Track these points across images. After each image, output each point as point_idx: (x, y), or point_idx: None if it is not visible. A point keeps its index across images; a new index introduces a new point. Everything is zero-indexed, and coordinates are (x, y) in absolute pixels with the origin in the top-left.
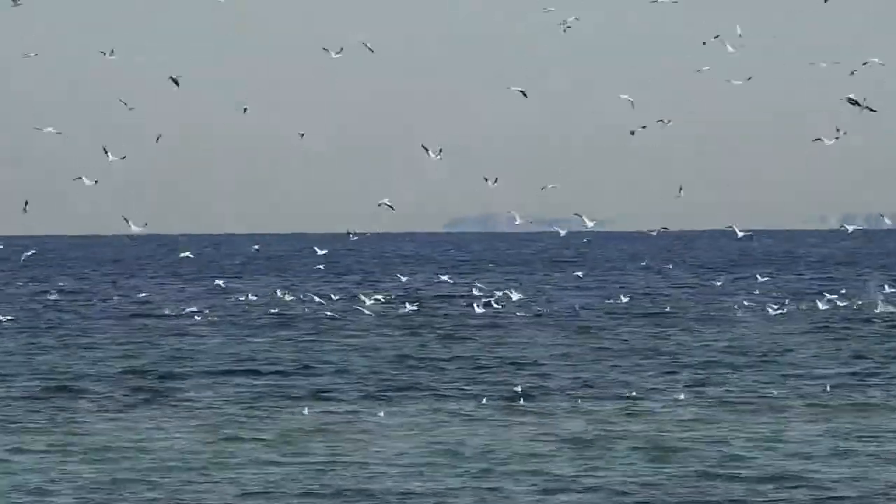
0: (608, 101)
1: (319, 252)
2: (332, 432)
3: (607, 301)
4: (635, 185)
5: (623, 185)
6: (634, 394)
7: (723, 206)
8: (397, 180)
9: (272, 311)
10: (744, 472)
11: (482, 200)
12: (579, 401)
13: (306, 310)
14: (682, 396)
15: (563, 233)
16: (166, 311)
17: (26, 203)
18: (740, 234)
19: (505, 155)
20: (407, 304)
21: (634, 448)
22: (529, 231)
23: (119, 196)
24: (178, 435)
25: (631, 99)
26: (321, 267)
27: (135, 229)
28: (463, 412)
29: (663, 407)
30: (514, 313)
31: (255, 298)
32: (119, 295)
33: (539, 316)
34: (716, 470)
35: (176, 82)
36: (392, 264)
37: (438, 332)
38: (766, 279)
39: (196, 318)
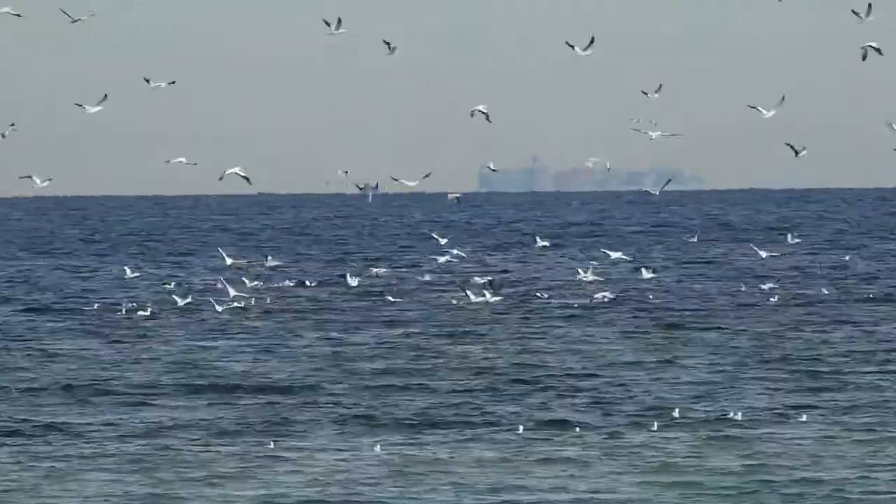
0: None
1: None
2: (306, 473)
3: (689, 287)
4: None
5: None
6: (731, 415)
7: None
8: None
9: (226, 300)
10: None
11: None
12: (654, 425)
13: (272, 299)
14: (802, 419)
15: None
16: (78, 304)
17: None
18: None
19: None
20: (395, 291)
21: (732, 487)
22: (581, 191)
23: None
24: (94, 476)
25: None
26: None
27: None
28: (491, 443)
29: (771, 432)
30: (557, 304)
31: (200, 285)
32: (9, 280)
33: (595, 309)
34: None
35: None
36: (376, 235)
37: (449, 330)
38: None
39: (118, 313)
